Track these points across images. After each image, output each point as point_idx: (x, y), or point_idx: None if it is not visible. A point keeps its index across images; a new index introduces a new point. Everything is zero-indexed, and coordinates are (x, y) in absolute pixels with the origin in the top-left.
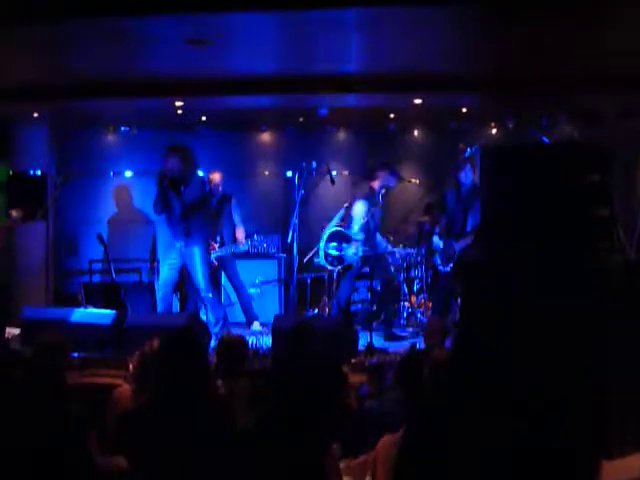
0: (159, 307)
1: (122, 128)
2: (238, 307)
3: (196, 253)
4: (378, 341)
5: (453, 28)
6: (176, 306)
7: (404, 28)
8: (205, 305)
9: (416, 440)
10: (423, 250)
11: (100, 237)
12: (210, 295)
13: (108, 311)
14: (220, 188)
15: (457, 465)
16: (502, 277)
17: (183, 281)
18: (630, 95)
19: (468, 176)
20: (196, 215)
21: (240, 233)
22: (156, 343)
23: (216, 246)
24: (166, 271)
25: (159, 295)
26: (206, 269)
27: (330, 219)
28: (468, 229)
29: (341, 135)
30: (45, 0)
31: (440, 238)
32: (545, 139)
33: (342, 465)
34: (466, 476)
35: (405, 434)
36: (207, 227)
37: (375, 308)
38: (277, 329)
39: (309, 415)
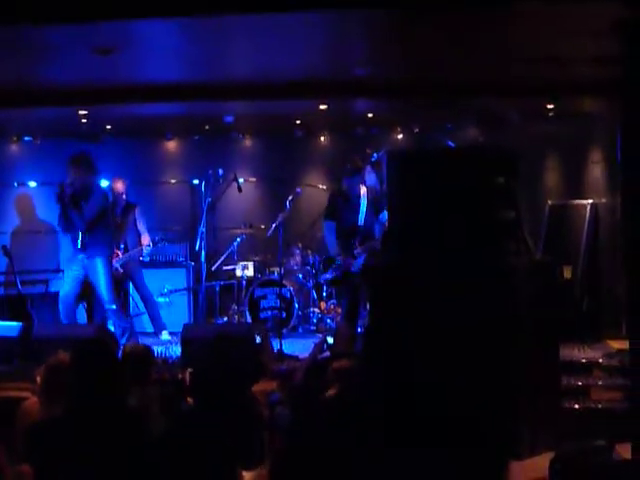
0: (63, 319)
1: (25, 138)
2: (146, 317)
3: (98, 265)
4: (288, 348)
5: (357, 33)
6: (83, 317)
7: (309, 33)
8: (110, 316)
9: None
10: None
11: (5, 248)
12: (114, 307)
13: (14, 323)
14: (124, 196)
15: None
16: (409, 280)
17: (89, 292)
18: (533, 100)
19: (371, 178)
20: (98, 227)
21: (145, 239)
22: (63, 355)
23: (120, 253)
24: (68, 283)
25: (61, 307)
26: (109, 281)
27: (238, 226)
28: (376, 234)
29: (247, 142)
30: None
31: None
32: (450, 143)
33: (253, 474)
34: None
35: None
36: (109, 239)
37: (285, 315)
38: (186, 338)
39: (221, 423)
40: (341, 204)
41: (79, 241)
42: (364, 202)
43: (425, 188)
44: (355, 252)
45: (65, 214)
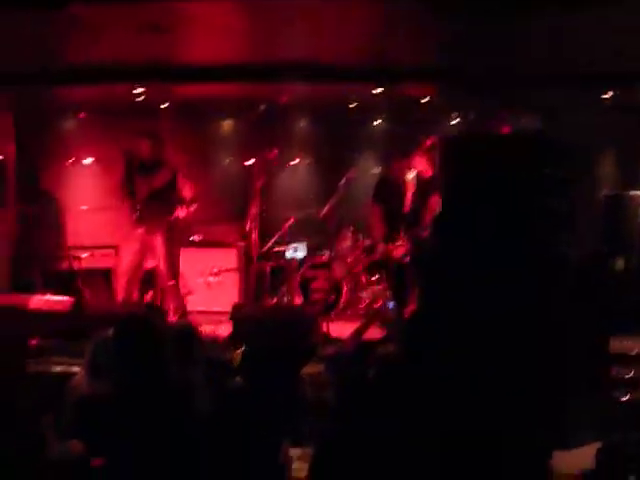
0: (120, 295)
1: (81, 115)
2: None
3: (159, 240)
4: (336, 331)
5: (416, 19)
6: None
7: (364, 17)
8: (165, 293)
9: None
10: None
11: (59, 224)
12: (172, 283)
13: (65, 298)
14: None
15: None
16: (459, 268)
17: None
18: (590, 89)
19: (421, 163)
20: (160, 200)
21: None
22: (110, 331)
23: None
24: (128, 258)
25: (121, 283)
26: (169, 256)
27: (290, 208)
28: (424, 220)
29: (302, 124)
30: None
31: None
32: (506, 131)
33: (299, 453)
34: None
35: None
36: (169, 215)
37: (334, 298)
38: (236, 318)
39: (269, 402)
40: (388, 188)
41: (143, 214)
42: (411, 188)
43: (478, 175)
44: (399, 237)
45: (130, 180)
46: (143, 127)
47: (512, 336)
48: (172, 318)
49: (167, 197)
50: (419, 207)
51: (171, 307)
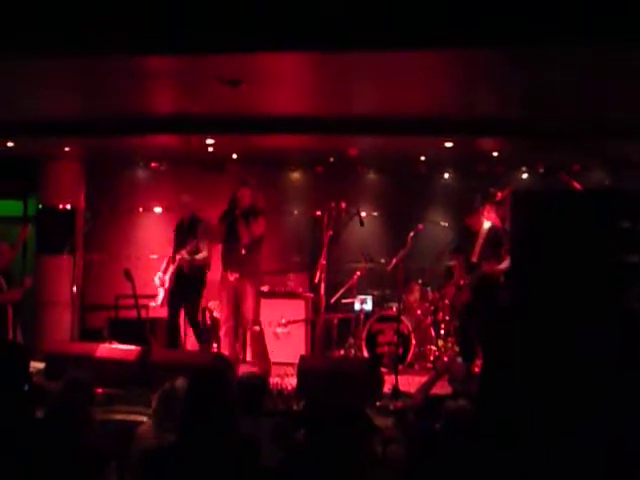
0: (224, 345)
1: (152, 164)
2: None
3: (248, 285)
4: (404, 384)
5: (485, 73)
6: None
7: (436, 72)
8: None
9: None
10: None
11: (127, 272)
12: (257, 328)
13: (133, 347)
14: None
15: None
16: (530, 323)
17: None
18: None
19: (490, 216)
20: (256, 248)
21: None
22: (179, 380)
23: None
24: (225, 305)
25: (223, 330)
26: (257, 303)
27: (358, 260)
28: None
29: (371, 176)
30: (71, 38)
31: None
32: (576, 185)
33: None
34: None
35: None
36: (260, 263)
37: (401, 351)
38: (303, 369)
39: (334, 458)
40: (466, 239)
41: (237, 260)
42: (481, 239)
43: (550, 230)
44: (461, 288)
45: (232, 225)
46: (214, 177)
47: (584, 390)
48: (255, 361)
49: (260, 245)
50: (487, 259)
51: (253, 351)
